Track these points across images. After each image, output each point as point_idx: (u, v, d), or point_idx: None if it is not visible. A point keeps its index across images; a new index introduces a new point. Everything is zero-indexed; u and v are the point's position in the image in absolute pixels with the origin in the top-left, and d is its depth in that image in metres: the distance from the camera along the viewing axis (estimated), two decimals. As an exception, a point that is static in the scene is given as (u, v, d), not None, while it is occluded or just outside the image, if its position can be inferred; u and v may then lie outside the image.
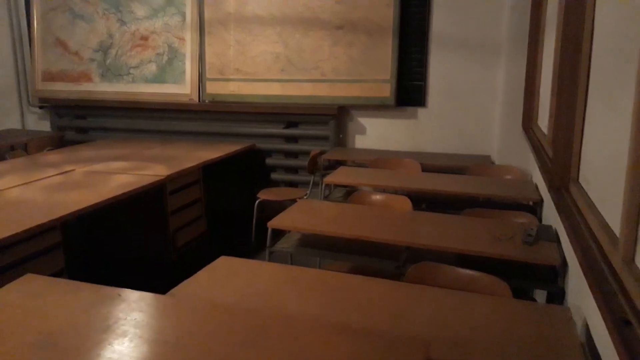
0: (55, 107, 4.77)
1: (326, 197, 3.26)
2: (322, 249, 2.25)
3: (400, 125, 3.92)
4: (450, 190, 2.70)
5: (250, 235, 3.86)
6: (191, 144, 4.15)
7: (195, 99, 4.30)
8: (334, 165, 3.96)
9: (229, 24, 4.14)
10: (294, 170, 4.25)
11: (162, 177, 2.99)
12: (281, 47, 4.04)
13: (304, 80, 4.01)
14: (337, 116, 3.98)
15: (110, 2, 4.44)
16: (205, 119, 4.37)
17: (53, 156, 3.63)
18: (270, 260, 2.31)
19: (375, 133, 4.00)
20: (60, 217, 2.26)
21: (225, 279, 1.65)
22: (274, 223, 2.19)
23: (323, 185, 3.13)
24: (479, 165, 3.29)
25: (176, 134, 4.47)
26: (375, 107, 3.93)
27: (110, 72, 4.52)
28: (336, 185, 3.28)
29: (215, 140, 4.32)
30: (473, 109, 3.72)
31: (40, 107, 4.84)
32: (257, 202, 3.68)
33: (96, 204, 2.47)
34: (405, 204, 2.43)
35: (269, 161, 4.26)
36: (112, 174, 3.09)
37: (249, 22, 4.09)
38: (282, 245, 2.26)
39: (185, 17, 4.25)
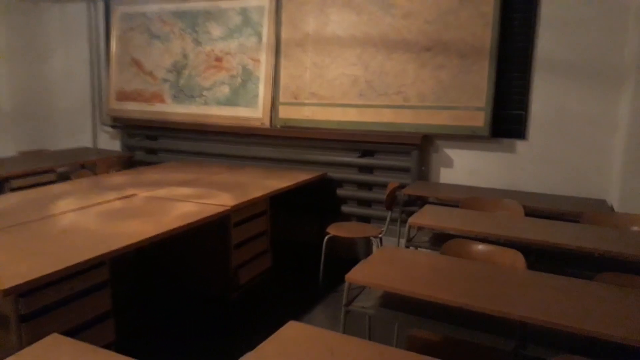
0: (126, 126, 4.72)
1: (409, 241, 2.82)
2: (407, 311, 1.83)
3: (493, 159, 3.42)
4: (565, 244, 2.18)
5: (318, 272, 3.48)
6: (260, 170, 3.88)
7: (267, 123, 4.04)
8: (414, 201, 3.52)
9: (306, 45, 3.88)
10: (367, 203, 3.85)
11: (227, 208, 2.69)
12: (361, 70, 3.71)
13: (384, 106, 3.64)
14: (421, 146, 3.55)
15: (187, 22, 4.35)
16: (275, 144, 4.10)
17: (117, 178, 3.48)
18: (345, 319, 1.91)
19: (463, 166, 3.52)
20: (111, 252, 2.00)
21: (295, 351, 1.27)
22: (353, 277, 1.80)
23: (407, 227, 2.70)
24: (596, 212, 2.73)
25: (245, 159, 4.23)
26: (465, 137, 3.47)
27: (183, 93, 4.40)
28: (421, 227, 2.84)
29: (285, 167, 4.03)
30: (585, 144, 3.16)
31: (112, 127, 4.81)
32: (326, 238, 3.31)
33: (151, 237, 2.20)
34: (517, 260, 1.95)
35: (341, 192, 3.90)
36: (175, 201, 2.84)
37: (327, 43, 3.80)
38: (361, 303, 1.86)
39: (262, 37, 4.05)
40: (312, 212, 3.98)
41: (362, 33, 3.69)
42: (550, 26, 3.19)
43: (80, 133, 5.05)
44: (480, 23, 3.32)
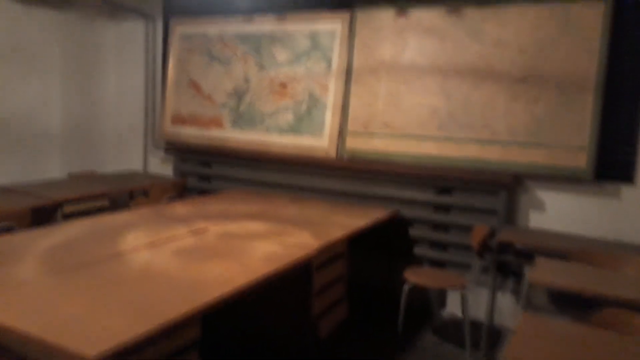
0: (180, 151, 4.50)
1: (512, 294, 2.47)
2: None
3: (594, 204, 3.07)
4: None
5: (392, 321, 3.14)
6: (326, 204, 3.59)
7: (333, 153, 3.77)
8: (505, 247, 3.17)
9: (380, 73, 3.63)
10: (441, 246, 3.52)
11: (313, 251, 2.39)
12: (442, 100, 3.43)
13: (467, 140, 3.34)
14: (511, 186, 3.23)
15: (250, 45, 4.15)
16: (341, 176, 3.82)
17: (180, 208, 3.22)
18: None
19: (557, 211, 3.18)
20: (205, 306, 1.70)
21: None
22: (513, 354, 1.46)
23: (526, 285, 2.36)
24: None
25: (307, 191, 3.95)
26: (562, 179, 3.13)
27: (243, 119, 4.17)
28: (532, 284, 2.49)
29: (353, 202, 3.73)
30: None
31: (166, 151, 4.60)
32: (407, 287, 2.98)
33: (244, 286, 1.91)
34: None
35: (413, 232, 3.57)
36: (251, 238, 2.55)
37: (405, 71, 3.54)
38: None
39: (331, 63, 3.82)
40: (381, 253, 3.65)
41: (445, 61, 3.42)
42: (666, 60, 2.88)
43: (130, 156, 4.85)
44: (583, 54, 3.03)
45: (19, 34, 4.18)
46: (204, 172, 4.41)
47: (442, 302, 3.57)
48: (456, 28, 3.39)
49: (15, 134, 4.21)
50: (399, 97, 3.57)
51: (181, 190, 4.28)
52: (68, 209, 3.37)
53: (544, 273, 2.21)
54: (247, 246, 2.42)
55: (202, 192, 4.41)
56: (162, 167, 4.71)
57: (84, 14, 4.68)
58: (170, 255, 2.22)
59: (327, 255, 2.64)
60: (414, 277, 3.01)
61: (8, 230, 2.79)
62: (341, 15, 3.79)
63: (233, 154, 4.20)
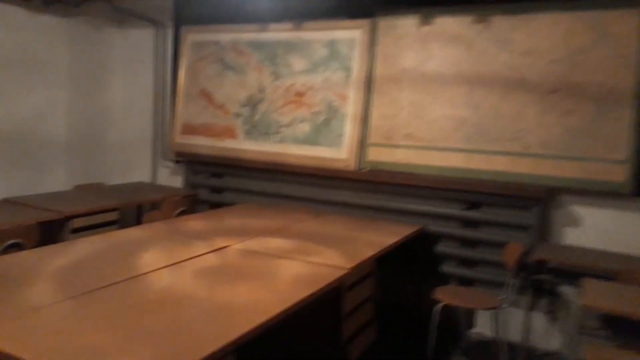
0: (191, 162, 4.34)
1: (545, 314, 2.31)
2: None
3: (635, 220, 2.92)
4: None
5: (420, 342, 2.97)
6: (348, 219, 3.43)
7: (353, 165, 3.62)
8: (540, 266, 3.01)
9: (403, 82, 3.49)
10: (470, 263, 3.35)
11: (345, 272, 2.23)
12: (469, 112, 3.29)
13: (497, 153, 3.20)
14: (544, 201, 3.08)
15: (266, 53, 4.01)
16: (362, 189, 3.66)
17: (195, 223, 3.06)
18: None
19: (594, 227, 3.03)
20: (239, 338, 1.54)
21: None
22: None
23: (578, 310, 2.20)
24: None
25: (325, 204, 3.79)
26: (598, 193, 2.98)
27: (257, 130, 4.02)
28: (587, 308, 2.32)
29: (375, 217, 3.57)
30: None
31: (176, 162, 4.44)
32: (439, 307, 2.81)
33: (278, 314, 1.74)
34: None
35: (438, 248, 3.41)
36: (276, 257, 2.39)
37: (429, 81, 3.41)
38: None
39: (351, 72, 3.68)
40: (405, 270, 3.49)
41: (472, 71, 3.29)
42: None
43: (137, 167, 4.69)
44: (619, 63, 2.90)
45: (25, 42, 4.04)
46: (216, 184, 4.24)
47: (469, 322, 3.40)
48: (483, 37, 3.26)
49: (20, 144, 4.05)
50: (423, 108, 3.43)
51: (192, 203, 4.11)
52: (77, 223, 3.20)
53: (596, 296, 2.05)
54: (272, 266, 2.25)
55: (214, 205, 4.24)
56: (171, 179, 4.54)
57: (92, 21, 4.55)
58: (192, 277, 2.05)
59: (356, 276, 2.48)
60: (446, 297, 2.85)
61: (16, 247, 2.62)
62: (361, 24, 3.66)
63: (247, 166, 4.04)
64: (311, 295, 1.93)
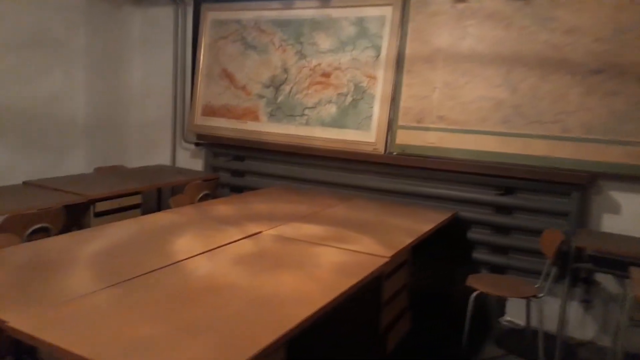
0: (212, 145, 4.24)
1: (580, 303, 2.22)
2: None
3: (682, 208, 2.80)
4: None
5: (454, 331, 2.89)
6: (377, 204, 3.33)
7: (381, 149, 3.51)
8: (577, 254, 2.90)
9: (436, 62, 3.36)
10: (502, 250, 3.25)
11: (386, 260, 2.14)
12: (506, 93, 3.15)
13: (535, 136, 3.07)
14: (584, 186, 2.96)
15: (290, 32, 3.88)
16: (391, 173, 3.55)
17: (223, 207, 2.97)
18: None
19: (635, 214, 2.91)
20: (290, 332, 1.45)
21: None
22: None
23: (629, 302, 2.10)
24: None
25: (351, 188, 3.69)
26: (641, 179, 2.86)
27: (281, 112, 3.91)
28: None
29: (402, 201, 3.47)
30: None
31: (197, 144, 4.34)
32: (474, 295, 2.72)
33: (326, 305, 1.65)
34: None
35: (471, 235, 3.31)
36: (312, 244, 2.30)
37: (464, 60, 3.27)
38: None
39: (380, 51, 3.54)
40: (436, 257, 3.40)
41: (510, 50, 3.14)
42: None
43: (157, 149, 4.60)
44: (671, 42, 2.75)
45: (42, 21, 3.92)
46: (238, 167, 4.15)
47: (500, 309, 3.32)
48: (523, 14, 3.11)
49: (38, 126, 3.97)
50: (457, 89, 3.30)
51: (214, 186, 4.03)
52: (100, 206, 3.13)
53: (655, 289, 1.95)
54: (310, 254, 2.17)
55: (235, 188, 4.16)
56: (191, 162, 4.46)
57: (110, 0, 4.42)
58: (231, 264, 1.97)
59: (394, 264, 2.39)
60: (480, 284, 2.76)
61: (44, 231, 2.55)
62: (392, 0, 3.51)
63: (269, 148, 3.94)
64: (356, 285, 1.85)
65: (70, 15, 4.12)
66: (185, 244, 2.18)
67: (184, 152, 4.50)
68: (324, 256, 2.14)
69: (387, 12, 3.53)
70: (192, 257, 2.02)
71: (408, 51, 3.45)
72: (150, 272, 1.83)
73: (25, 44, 3.82)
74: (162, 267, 1.88)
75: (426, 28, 3.39)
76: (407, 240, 2.47)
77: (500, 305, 3.33)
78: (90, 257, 1.95)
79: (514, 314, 3.27)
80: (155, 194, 4.33)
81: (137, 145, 4.68)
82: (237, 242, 2.26)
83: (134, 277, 1.76)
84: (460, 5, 3.27)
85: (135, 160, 4.64)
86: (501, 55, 3.17)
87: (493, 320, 3.31)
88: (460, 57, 3.28)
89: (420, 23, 3.41)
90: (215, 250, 2.14)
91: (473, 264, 3.31)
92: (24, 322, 1.38)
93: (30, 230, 2.53)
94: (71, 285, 1.67)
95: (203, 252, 2.09)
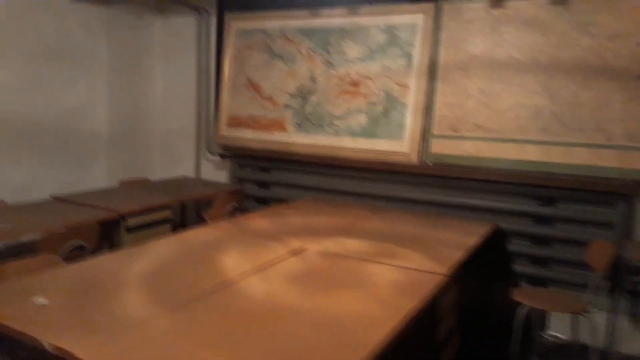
0: (238, 156, 4.17)
1: (628, 316, 2.12)
2: None
3: None
4: None
5: (498, 346, 2.80)
6: (414, 216, 3.24)
7: (415, 159, 3.43)
8: (628, 267, 2.81)
9: (471, 69, 3.28)
10: (543, 262, 3.16)
11: (444, 277, 2.06)
12: (545, 100, 3.08)
13: (576, 145, 2.99)
14: (631, 196, 2.87)
15: (317, 40, 3.82)
16: (424, 184, 3.47)
17: (259, 221, 2.90)
18: None
19: (684, 224, 2.82)
20: (367, 358, 1.37)
21: None
22: None
23: None
24: None
25: (383, 200, 3.61)
26: (692, 188, 2.77)
27: (309, 122, 3.84)
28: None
29: (436, 213, 3.38)
30: None
31: (222, 156, 4.27)
32: (521, 310, 2.63)
33: (396, 329, 1.57)
34: None
35: (509, 247, 3.23)
36: (360, 260, 2.22)
37: (500, 67, 3.20)
38: None
39: (412, 60, 3.47)
40: (477, 270, 3.30)
41: (549, 56, 3.07)
42: None
43: (180, 161, 4.53)
44: None
45: (65, 31, 3.87)
46: (264, 178, 4.08)
47: (542, 323, 3.22)
48: (562, 20, 3.04)
49: (60, 138, 3.91)
50: (493, 97, 3.22)
51: (240, 199, 3.95)
52: (132, 221, 3.06)
53: None
54: (362, 271, 2.09)
55: (260, 200, 4.09)
56: (216, 174, 4.39)
57: (132, 9, 4.37)
58: (285, 284, 1.89)
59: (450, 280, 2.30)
60: (527, 299, 2.67)
61: (79, 249, 2.48)
62: (424, 7, 3.45)
63: (297, 159, 3.87)
64: (421, 304, 1.77)
65: (92, 26, 4.08)
66: (232, 262, 2.11)
67: (207, 163, 4.43)
68: (378, 274, 2.06)
69: (419, 19, 3.46)
70: (242, 276, 1.94)
71: (442, 59, 3.38)
72: (204, 293, 1.75)
73: (47, 54, 3.77)
74: (215, 288, 1.80)
75: (460, 35, 3.32)
76: (456, 254, 2.38)
77: (540, 318, 3.23)
78: (140, 278, 1.87)
79: (558, 328, 3.17)
80: (179, 207, 4.26)
81: (159, 157, 4.62)
82: (284, 260, 2.18)
83: (190, 301, 1.68)
84: (496, 12, 3.21)
85: (157, 172, 4.57)
86: (539, 62, 3.09)
87: (535, 334, 3.21)
88: (497, 64, 3.21)
89: (454, 30, 3.34)
90: (264, 268, 2.06)
91: (511, 276, 3.22)
92: (88, 352, 1.31)
93: (68, 249, 2.45)
94: (127, 310, 1.59)
95: (253, 271, 2.01)
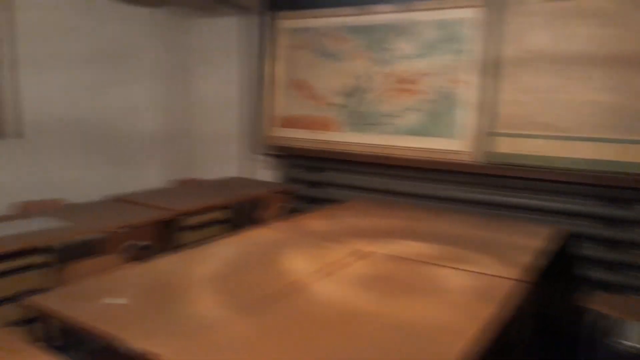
0: (288, 156, 4.15)
1: None
2: None
3: None
4: None
5: (568, 354, 2.65)
6: (475, 218, 3.11)
7: (474, 158, 3.31)
8: None
9: (536, 64, 3.13)
10: (614, 267, 2.99)
11: (527, 284, 1.95)
12: (620, 97, 2.90)
13: (653, 143, 2.80)
14: None
15: (368, 38, 3.74)
16: (484, 184, 3.35)
17: (317, 223, 2.85)
18: None
19: None
20: (466, 369, 1.29)
21: None
22: None
23: None
24: None
25: (441, 201, 3.50)
26: None
27: (362, 121, 3.77)
28: None
29: (497, 215, 3.25)
30: None
31: (272, 155, 4.25)
32: (589, 317, 2.48)
33: (481, 336, 1.48)
34: None
35: (576, 250, 3.06)
36: (430, 265, 2.14)
37: (568, 62, 3.04)
38: None
39: (469, 55, 3.35)
40: (544, 274, 3.15)
41: (622, 50, 2.89)
42: None
43: (226, 161, 4.55)
44: None
45: (113, 34, 3.94)
46: (315, 178, 4.03)
47: (614, 331, 3.03)
48: (633, 11, 2.86)
49: (110, 138, 3.98)
50: (560, 93, 3.07)
51: (292, 199, 3.92)
52: (190, 221, 3.07)
53: None
54: (433, 276, 2.00)
55: (311, 201, 4.04)
56: (264, 173, 4.37)
57: (178, 11, 4.42)
58: (355, 287, 1.83)
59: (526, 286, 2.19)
60: (601, 306, 2.51)
61: (145, 249, 2.49)
62: (482, 1, 3.32)
63: (350, 159, 3.80)
64: (505, 312, 1.67)
65: (140, 28, 4.14)
66: (298, 264, 2.06)
67: (254, 163, 4.43)
68: (451, 279, 1.97)
69: (476, 14, 3.33)
70: (311, 279, 1.89)
71: (502, 54, 3.24)
72: (276, 296, 1.71)
73: (97, 56, 3.83)
74: (285, 290, 1.76)
75: (522, 29, 3.17)
76: (528, 258, 2.26)
77: (611, 325, 3.04)
78: (209, 278, 1.85)
79: (632, 337, 2.98)
80: (235, 207, 4.27)
81: (206, 157, 4.64)
82: (347, 262, 2.12)
83: (262, 303, 1.65)
84: (561, 4, 3.04)
85: (204, 172, 4.59)
86: (611, 56, 2.92)
87: (607, 343, 3.03)
88: (564, 59, 3.05)
89: (515, 24, 3.20)
90: (332, 271, 2.00)
91: (579, 281, 3.06)
92: (174, 354, 1.28)
93: (133, 247, 2.47)
94: (202, 312, 1.56)
95: (321, 274, 1.96)
